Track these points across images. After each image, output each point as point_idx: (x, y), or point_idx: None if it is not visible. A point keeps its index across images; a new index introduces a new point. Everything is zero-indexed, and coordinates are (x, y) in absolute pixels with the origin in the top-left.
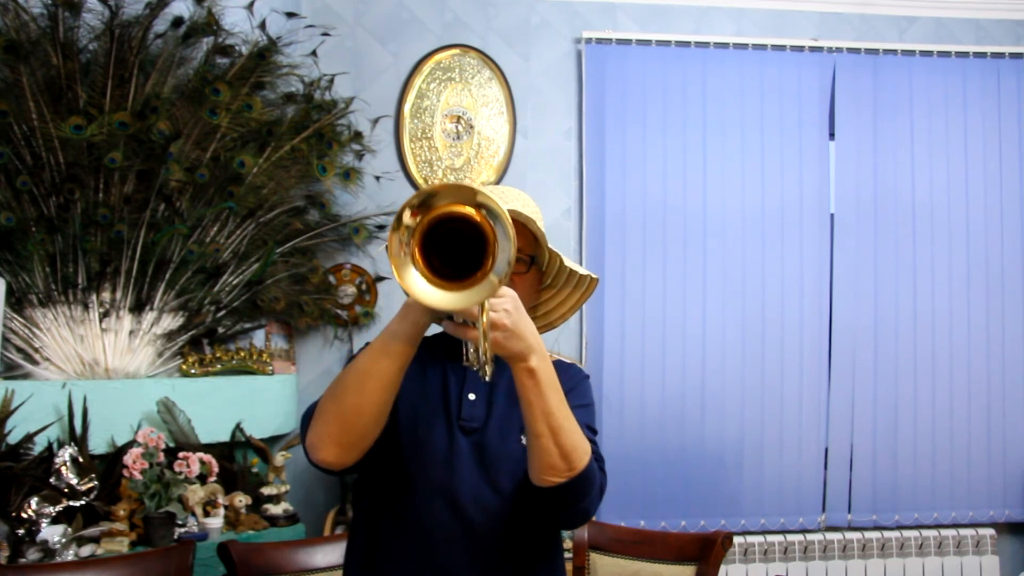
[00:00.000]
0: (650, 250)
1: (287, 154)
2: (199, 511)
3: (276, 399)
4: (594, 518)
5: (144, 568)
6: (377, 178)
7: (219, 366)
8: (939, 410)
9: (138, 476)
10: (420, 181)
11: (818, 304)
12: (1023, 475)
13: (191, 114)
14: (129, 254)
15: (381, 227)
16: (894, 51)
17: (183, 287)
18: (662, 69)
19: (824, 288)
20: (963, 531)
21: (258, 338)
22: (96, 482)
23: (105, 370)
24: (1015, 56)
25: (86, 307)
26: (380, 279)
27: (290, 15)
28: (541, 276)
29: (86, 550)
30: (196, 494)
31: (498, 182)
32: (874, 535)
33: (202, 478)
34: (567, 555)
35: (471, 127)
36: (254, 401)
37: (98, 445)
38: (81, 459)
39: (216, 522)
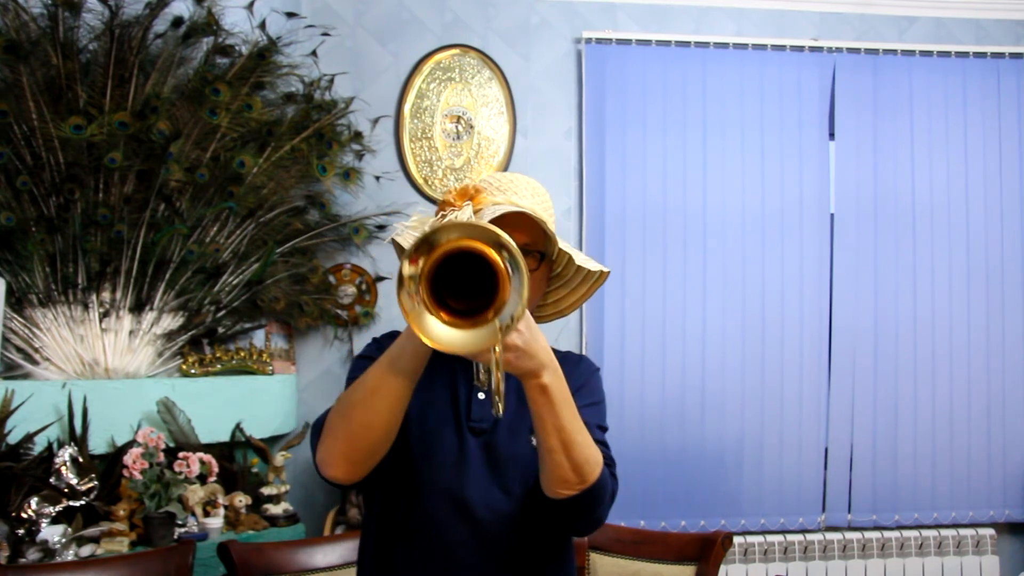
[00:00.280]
0: (650, 250)
1: (287, 154)
2: (199, 511)
3: (276, 399)
4: None
5: (144, 568)
6: (377, 178)
7: (219, 366)
8: (939, 410)
9: (138, 476)
10: (420, 181)
11: (818, 304)
12: (1023, 475)
13: (191, 114)
14: (129, 254)
15: (381, 227)
16: (894, 51)
17: (183, 287)
18: (662, 69)
19: (824, 288)
20: (963, 531)
21: (258, 338)
22: (96, 482)
23: (105, 370)
24: (1015, 56)
25: (86, 307)
26: (380, 279)
27: (290, 15)
28: (551, 268)
29: (86, 550)
30: (196, 494)
31: None
32: (874, 535)
33: (202, 478)
34: None
35: (471, 127)
36: (254, 401)
37: (98, 445)
38: (81, 459)
39: (216, 522)
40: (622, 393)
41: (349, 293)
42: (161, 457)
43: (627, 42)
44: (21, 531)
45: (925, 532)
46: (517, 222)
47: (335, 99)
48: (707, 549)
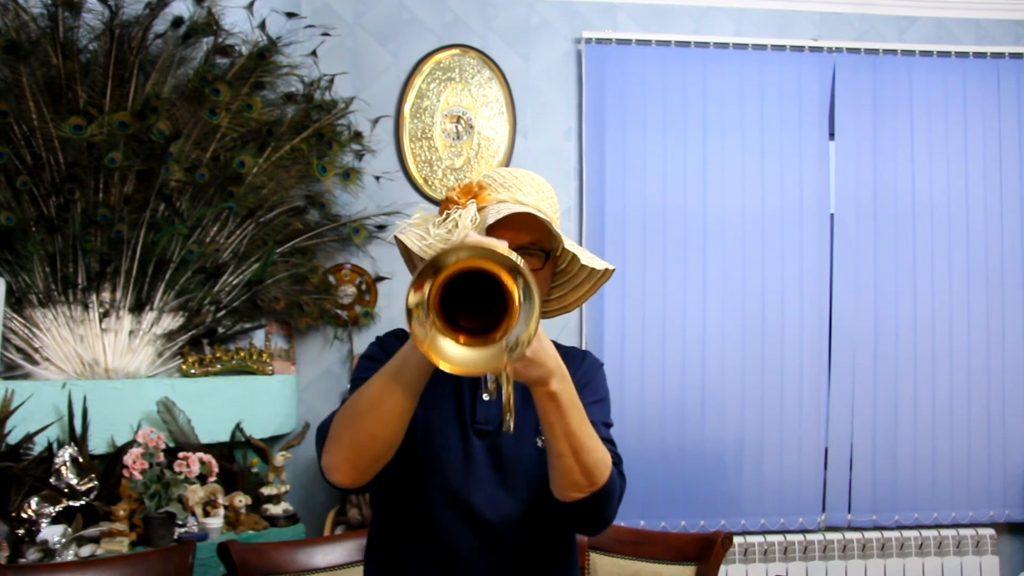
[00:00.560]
0: (650, 250)
1: (287, 154)
2: (199, 511)
3: (276, 399)
4: None
5: (144, 568)
6: (377, 178)
7: (219, 366)
8: (939, 410)
9: (138, 476)
10: (420, 181)
11: (818, 304)
12: (1023, 475)
13: (191, 114)
14: (129, 254)
15: (381, 227)
16: (894, 51)
17: (183, 287)
18: (662, 69)
19: (824, 288)
20: (963, 531)
21: (258, 338)
22: (96, 482)
23: (105, 370)
24: (1015, 56)
25: (86, 307)
26: (380, 279)
27: (290, 15)
28: (555, 265)
29: (86, 550)
30: (196, 494)
31: None
32: (874, 535)
33: (202, 478)
34: None
35: (471, 127)
36: (254, 401)
37: (98, 445)
38: (81, 459)
39: (216, 522)
40: (622, 393)
41: (349, 293)
42: (161, 457)
43: (627, 42)
44: (21, 531)
45: (925, 532)
46: (522, 220)
47: (335, 99)
48: (707, 549)
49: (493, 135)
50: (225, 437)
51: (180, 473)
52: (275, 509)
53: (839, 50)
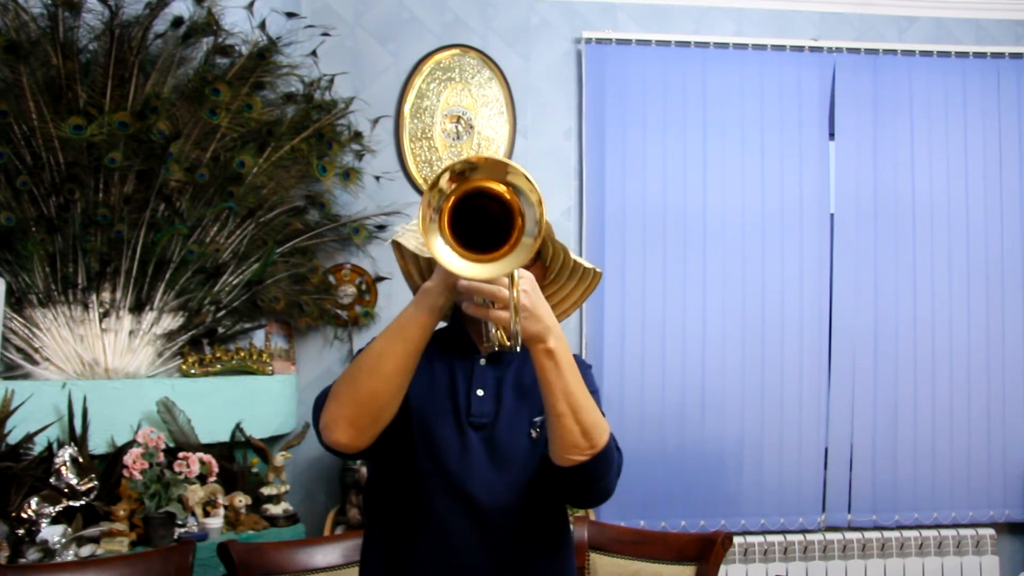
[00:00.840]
0: (650, 250)
1: (287, 154)
2: (199, 511)
3: (276, 399)
4: (594, 517)
5: (144, 568)
6: (377, 178)
7: (219, 366)
8: (939, 410)
9: (138, 476)
10: (420, 181)
11: (818, 304)
12: (1023, 475)
13: (191, 114)
14: (129, 254)
15: (381, 227)
16: (894, 51)
17: (183, 287)
18: (662, 69)
19: (824, 288)
20: (963, 531)
21: (258, 338)
22: (96, 482)
23: (105, 370)
24: (1015, 56)
25: (86, 307)
26: (380, 279)
27: (290, 15)
28: (545, 270)
29: (86, 550)
30: (196, 494)
31: None
32: (874, 535)
33: (202, 478)
34: None
35: (471, 127)
36: (254, 401)
37: (98, 445)
38: (81, 459)
39: (216, 522)
40: (622, 393)
41: (349, 293)
42: (161, 457)
43: (627, 42)
44: (21, 531)
45: (925, 532)
46: None
47: (335, 99)
48: (707, 549)
49: (493, 135)
50: (225, 437)
51: (180, 473)
52: (275, 509)
53: (839, 50)
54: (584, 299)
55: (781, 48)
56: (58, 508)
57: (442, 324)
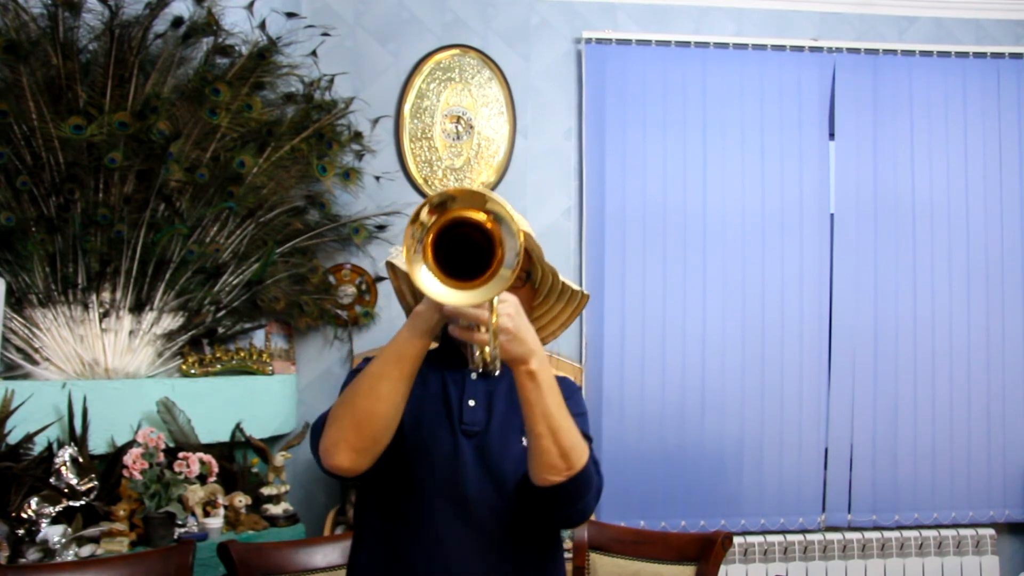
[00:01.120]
0: (650, 250)
1: (287, 154)
2: (199, 511)
3: (276, 399)
4: (594, 518)
5: (144, 568)
6: (377, 178)
7: (219, 366)
8: (939, 410)
9: (138, 476)
10: (420, 181)
11: (818, 304)
12: (1023, 475)
13: (191, 114)
14: (129, 254)
15: (381, 227)
16: (894, 51)
17: (183, 287)
18: (662, 69)
19: (824, 288)
20: (963, 531)
21: (258, 338)
22: (96, 482)
23: (105, 370)
24: (1015, 56)
25: (86, 307)
26: (380, 279)
27: (290, 15)
28: (535, 292)
29: (86, 550)
30: (196, 494)
31: (498, 182)
32: (874, 535)
33: (202, 478)
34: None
35: (471, 127)
36: (254, 401)
37: (98, 445)
38: (81, 459)
39: (216, 522)
40: (622, 393)
41: (349, 293)
42: (161, 457)
43: (627, 42)
44: (21, 531)
45: (925, 532)
46: None
47: (335, 99)
48: (707, 549)
49: (493, 135)
50: (225, 437)
51: (180, 473)
52: (275, 509)
53: (839, 50)
54: (571, 321)
55: (781, 48)
56: (58, 508)
57: (433, 345)
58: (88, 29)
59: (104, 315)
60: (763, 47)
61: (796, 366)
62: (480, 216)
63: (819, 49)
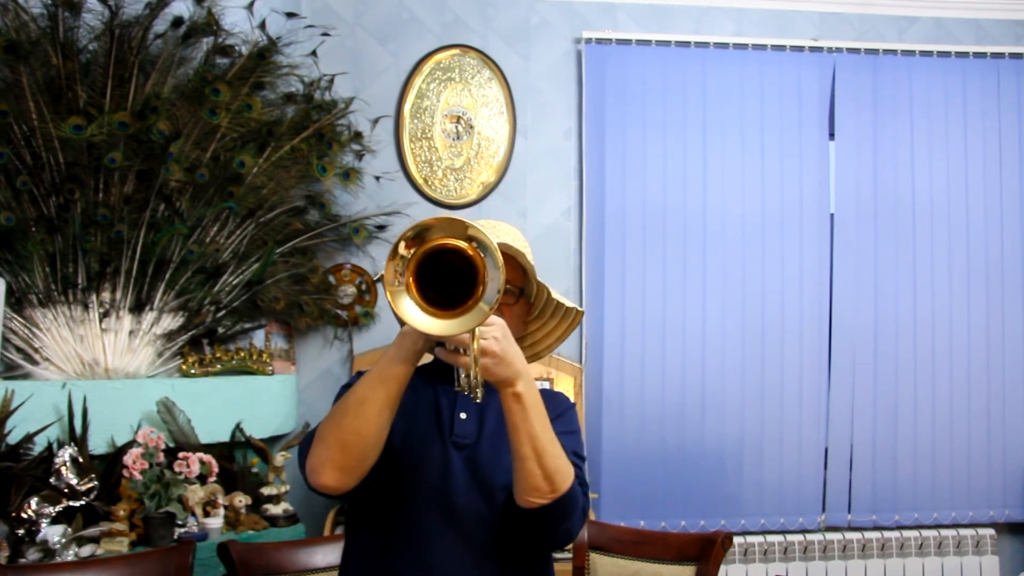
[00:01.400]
0: (650, 250)
1: (287, 154)
2: (199, 511)
3: (276, 399)
4: (594, 518)
5: (144, 568)
6: (377, 178)
7: (219, 366)
8: (939, 410)
9: (138, 476)
10: (420, 181)
11: (818, 304)
12: (1023, 475)
13: (191, 114)
14: (129, 254)
15: (381, 227)
16: (894, 51)
17: (183, 287)
18: (662, 69)
19: (824, 288)
20: (963, 531)
21: (258, 338)
22: (96, 482)
23: (105, 370)
24: (1015, 56)
25: (86, 307)
26: (380, 279)
27: (290, 15)
28: (529, 308)
29: (86, 550)
30: (196, 494)
31: (498, 182)
32: (874, 535)
33: (202, 478)
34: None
35: (471, 127)
36: (254, 401)
37: (98, 445)
38: (81, 459)
39: (216, 522)
40: (622, 393)
41: (349, 293)
42: (161, 457)
43: (627, 42)
44: (21, 531)
45: (925, 532)
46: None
47: (335, 99)
48: (707, 549)
49: (493, 135)
50: (225, 437)
51: (180, 473)
52: (275, 509)
53: (839, 50)
54: (565, 337)
55: (781, 48)
56: (58, 508)
57: (428, 357)
58: (88, 29)
59: (104, 315)
60: (763, 47)
61: (796, 366)
62: (461, 244)
63: (819, 49)
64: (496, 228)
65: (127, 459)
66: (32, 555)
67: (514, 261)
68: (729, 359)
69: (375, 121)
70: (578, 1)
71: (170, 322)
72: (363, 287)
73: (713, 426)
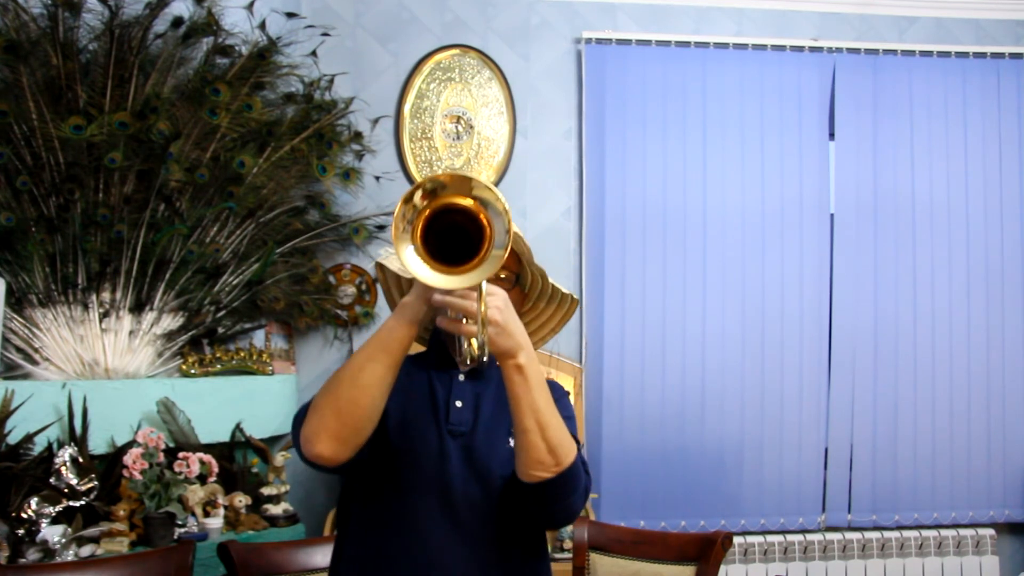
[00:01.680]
0: (650, 250)
1: (287, 154)
2: (199, 511)
3: (276, 399)
4: (593, 518)
5: (144, 568)
6: (377, 178)
7: (219, 366)
8: (939, 410)
9: (138, 476)
10: (420, 181)
11: (818, 304)
12: (1023, 475)
13: (191, 114)
14: (129, 254)
15: (381, 227)
16: (894, 51)
17: (183, 287)
18: (662, 69)
19: (824, 288)
20: (963, 531)
21: (258, 338)
22: (96, 482)
23: (105, 370)
24: (1015, 56)
25: (86, 307)
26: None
27: (290, 15)
28: (524, 296)
29: (86, 550)
30: (196, 494)
31: (498, 182)
32: (874, 535)
33: (202, 478)
34: (567, 555)
35: (471, 127)
36: (254, 401)
37: (98, 445)
38: (81, 459)
39: (216, 522)
40: (622, 393)
41: (349, 293)
42: (161, 457)
43: (627, 42)
44: (21, 531)
45: (925, 532)
46: None
47: (335, 99)
48: (707, 549)
49: (493, 135)
50: (225, 437)
51: (180, 473)
52: (275, 509)
53: (839, 50)
54: (562, 325)
55: (781, 48)
56: (58, 508)
57: (420, 349)
58: (88, 29)
59: (104, 315)
60: (763, 47)
61: (796, 366)
62: (467, 202)
63: (819, 49)
64: None
65: (127, 459)
66: (32, 555)
67: (512, 252)
68: (729, 359)
69: (375, 121)
70: (578, 1)
71: (170, 322)
72: (363, 287)
73: (713, 426)
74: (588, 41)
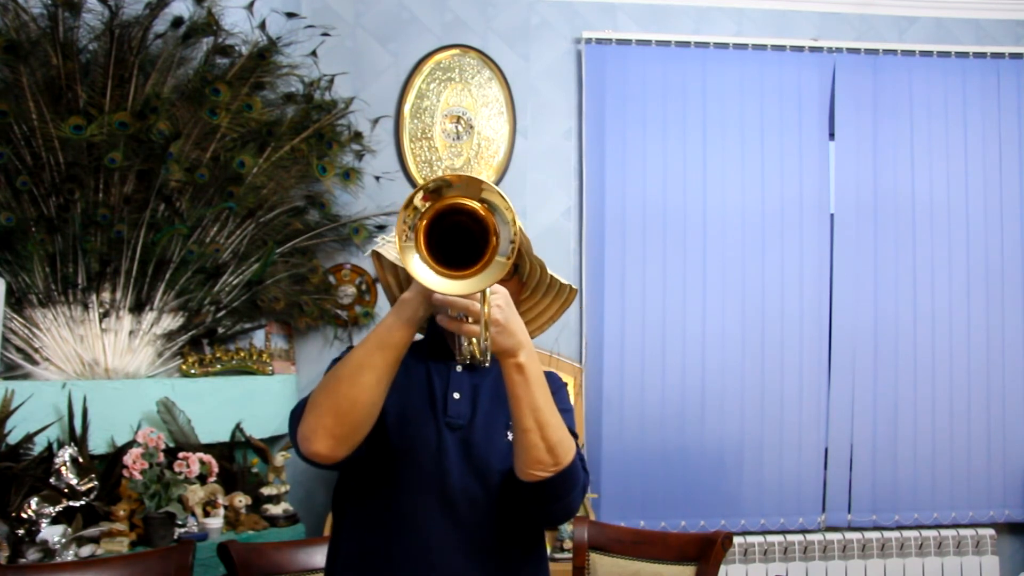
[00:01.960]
0: (650, 250)
1: (287, 154)
2: (199, 511)
3: (276, 399)
4: (593, 518)
5: (144, 568)
6: (377, 178)
7: (219, 366)
8: (939, 410)
9: (138, 476)
10: (420, 181)
11: (818, 304)
12: (1023, 475)
13: (191, 114)
14: (129, 254)
15: (381, 227)
16: (894, 51)
17: (183, 287)
18: (662, 69)
19: (824, 288)
20: (963, 531)
21: (258, 338)
22: (96, 482)
23: (105, 370)
24: (1015, 56)
25: (86, 307)
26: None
27: (290, 15)
28: (522, 286)
29: (86, 550)
30: (196, 494)
31: (498, 182)
32: (874, 535)
33: (202, 478)
34: (567, 555)
35: (471, 127)
36: (254, 401)
37: (98, 445)
38: (81, 459)
39: (216, 522)
40: (622, 393)
41: (349, 293)
42: (161, 457)
43: (627, 42)
44: (21, 531)
45: (925, 532)
46: None
47: (335, 99)
48: (707, 549)
49: (493, 135)
50: (225, 437)
51: (180, 473)
52: (275, 509)
53: (839, 50)
54: (560, 315)
55: (781, 48)
56: (58, 508)
57: (418, 336)
58: (88, 29)
59: (104, 315)
60: (763, 47)
61: (796, 366)
62: (475, 204)
63: (819, 49)
64: None
65: (127, 459)
66: (32, 555)
67: None
68: (729, 359)
69: (375, 121)
70: (578, 1)
71: (170, 322)
72: (363, 287)
73: (713, 426)
74: (588, 41)
